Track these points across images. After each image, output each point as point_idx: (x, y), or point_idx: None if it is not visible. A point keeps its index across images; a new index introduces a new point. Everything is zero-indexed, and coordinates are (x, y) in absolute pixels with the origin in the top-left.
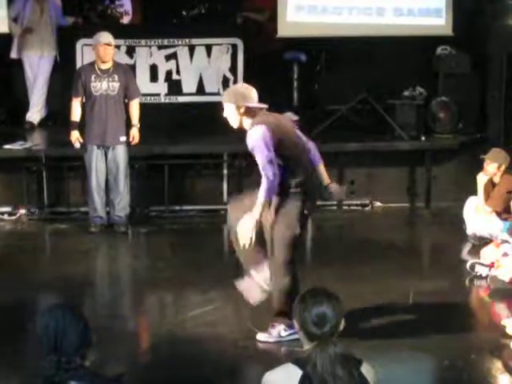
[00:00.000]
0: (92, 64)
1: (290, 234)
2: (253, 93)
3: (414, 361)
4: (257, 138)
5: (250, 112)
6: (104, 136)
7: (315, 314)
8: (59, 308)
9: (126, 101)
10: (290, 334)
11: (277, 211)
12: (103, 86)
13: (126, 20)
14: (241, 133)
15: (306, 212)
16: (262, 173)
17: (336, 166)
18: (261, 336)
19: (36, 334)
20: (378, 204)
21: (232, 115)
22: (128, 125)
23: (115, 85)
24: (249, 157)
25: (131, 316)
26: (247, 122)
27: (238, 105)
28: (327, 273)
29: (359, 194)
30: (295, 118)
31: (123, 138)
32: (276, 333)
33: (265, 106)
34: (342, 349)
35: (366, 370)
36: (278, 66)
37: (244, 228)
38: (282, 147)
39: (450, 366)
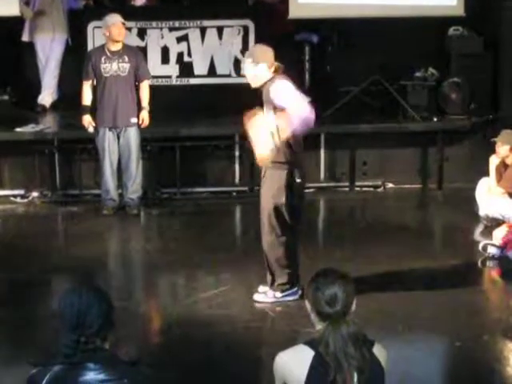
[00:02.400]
0: (102, 47)
1: (273, 203)
2: (272, 53)
3: (426, 342)
4: (289, 86)
5: (276, 70)
6: (115, 117)
7: (327, 294)
8: (85, 287)
9: (137, 83)
10: (285, 296)
11: (266, 181)
12: (113, 67)
13: (140, 2)
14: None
15: (298, 180)
16: (294, 107)
17: (348, 147)
18: (258, 297)
19: (58, 311)
20: (390, 185)
21: (263, 74)
22: (138, 107)
23: (125, 66)
24: None
25: (143, 298)
26: (269, 80)
27: (272, 62)
28: (339, 254)
29: (371, 176)
30: (307, 99)
31: (134, 120)
32: (271, 294)
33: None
34: (354, 328)
35: (377, 350)
36: (289, 47)
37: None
38: None
39: (461, 346)
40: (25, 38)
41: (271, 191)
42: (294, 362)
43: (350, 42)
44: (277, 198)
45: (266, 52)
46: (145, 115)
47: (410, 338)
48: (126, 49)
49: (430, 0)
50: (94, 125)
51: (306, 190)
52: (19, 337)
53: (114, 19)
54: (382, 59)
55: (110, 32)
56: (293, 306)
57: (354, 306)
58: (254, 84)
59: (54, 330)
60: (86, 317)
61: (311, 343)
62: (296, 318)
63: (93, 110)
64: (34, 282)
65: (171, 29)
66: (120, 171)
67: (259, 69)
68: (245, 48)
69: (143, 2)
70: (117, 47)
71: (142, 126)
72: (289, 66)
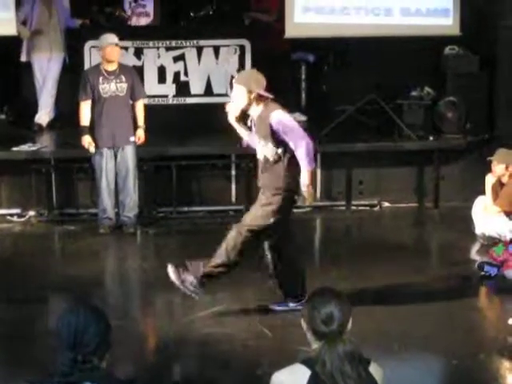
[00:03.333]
0: (97, 66)
1: (260, 222)
2: (264, 80)
3: (423, 361)
4: (287, 117)
5: (259, 99)
6: (115, 137)
7: (323, 313)
8: (82, 306)
9: (131, 102)
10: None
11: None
12: (112, 88)
13: (145, 21)
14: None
15: (295, 198)
16: (300, 143)
17: (344, 166)
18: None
19: (55, 330)
20: (387, 204)
21: (241, 98)
22: (135, 125)
23: (123, 85)
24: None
25: (140, 317)
26: (254, 108)
27: (251, 89)
28: (335, 272)
29: (367, 195)
30: (303, 118)
31: (132, 138)
32: (188, 283)
33: (272, 96)
34: (350, 347)
35: (374, 369)
36: (285, 66)
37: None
38: None
39: (458, 365)
40: (23, 58)
41: (264, 211)
42: (291, 381)
43: (346, 61)
44: (266, 219)
45: (251, 78)
46: (141, 133)
47: (406, 357)
48: (122, 68)
49: (425, 19)
50: (93, 145)
51: (302, 210)
52: (16, 355)
53: (107, 40)
54: (377, 78)
55: (104, 52)
56: (290, 325)
57: (349, 325)
58: (236, 106)
59: (50, 348)
60: (84, 336)
61: (307, 362)
62: (293, 336)
63: (91, 130)
64: (31, 300)
65: (168, 48)
66: (117, 190)
67: (237, 91)
68: (241, 67)
69: (150, 21)
70: (113, 67)
71: (138, 144)
72: (285, 84)
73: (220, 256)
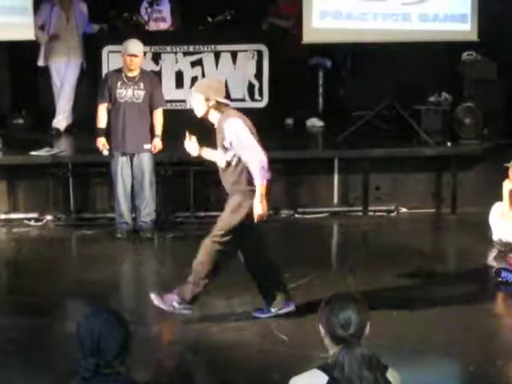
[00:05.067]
0: (119, 70)
1: (232, 223)
2: (223, 88)
3: (440, 367)
4: (240, 128)
5: (218, 106)
6: (127, 143)
7: (342, 318)
8: (105, 312)
9: (150, 109)
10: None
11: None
12: (128, 94)
13: (163, 26)
14: (265, 139)
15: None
16: (251, 158)
17: (361, 171)
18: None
19: (75, 335)
20: (404, 210)
21: (199, 105)
22: (152, 133)
23: (140, 93)
24: (275, 162)
25: (157, 321)
26: (213, 115)
27: (208, 97)
28: (352, 278)
29: (385, 200)
30: (320, 123)
31: (147, 146)
32: (175, 302)
33: (230, 102)
34: (369, 352)
35: (391, 375)
36: (303, 71)
37: (262, 210)
38: None
39: (475, 371)
40: (40, 62)
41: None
42: None
43: (363, 67)
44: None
45: (209, 86)
46: (157, 143)
47: (423, 363)
48: (143, 75)
49: (443, 25)
50: (107, 147)
51: (320, 215)
52: (33, 360)
53: (126, 49)
54: (395, 84)
55: (124, 60)
56: (306, 330)
57: (367, 330)
58: (196, 113)
59: (68, 353)
60: (106, 342)
61: (325, 368)
62: (309, 341)
63: (107, 132)
64: (48, 304)
65: (185, 53)
66: (134, 195)
67: (195, 99)
68: (259, 72)
69: (167, 26)
70: (133, 73)
71: (154, 153)
72: (303, 90)
73: (198, 272)
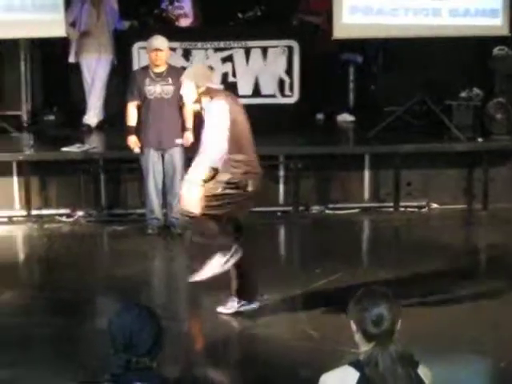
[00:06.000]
0: (146, 68)
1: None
2: (211, 74)
3: (471, 363)
4: (216, 113)
5: (208, 92)
6: (159, 139)
7: (374, 314)
8: (136, 307)
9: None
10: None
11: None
12: (157, 90)
13: (184, 23)
14: (296, 135)
15: (250, 189)
16: (208, 144)
17: (392, 167)
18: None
19: (107, 331)
20: (435, 206)
21: (190, 93)
22: (183, 127)
23: (169, 88)
24: (306, 158)
25: (187, 317)
26: (205, 101)
27: (198, 84)
28: (383, 274)
29: (416, 196)
30: (351, 118)
31: (179, 141)
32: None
33: (221, 87)
34: (401, 348)
35: (422, 372)
36: (334, 67)
37: (189, 196)
38: (232, 126)
39: (506, 368)
40: (71, 59)
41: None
42: (339, 383)
43: (394, 62)
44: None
45: (197, 73)
46: (189, 136)
47: (454, 359)
48: (170, 70)
49: (474, 20)
50: (139, 145)
51: (351, 211)
52: (64, 355)
53: (151, 45)
54: (426, 79)
55: (149, 56)
56: (336, 326)
57: (399, 326)
58: (187, 101)
59: (98, 348)
60: (138, 338)
61: (356, 364)
62: (339, 337)
63: (138, 129)
64: (79, 300)
65: (216, 49)
66: (165, 190)
67: (186, 87)
68: (289, 68)
69: (189, 22)
70: (160, 69)
71: (186, 146)
72: (333, 85)
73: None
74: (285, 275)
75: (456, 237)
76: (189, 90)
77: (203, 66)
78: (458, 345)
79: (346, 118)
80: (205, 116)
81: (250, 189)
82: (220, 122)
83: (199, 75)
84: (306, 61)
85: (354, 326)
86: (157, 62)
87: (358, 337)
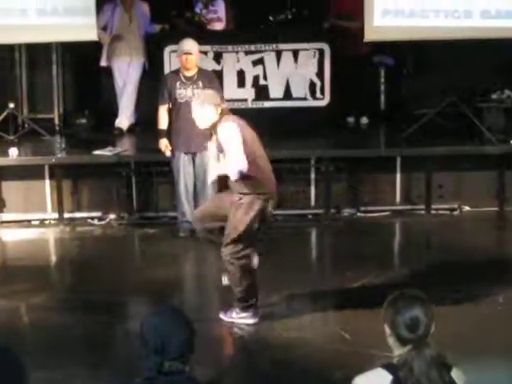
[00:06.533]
0: (177, 71)
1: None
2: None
3: (502, 367)
4: (233, 133)
5: (222, 113)
6: (190, 143)
7: (408, 317)
8: (170, 310)
9: None
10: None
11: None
12: (188, 93)
13: (218, 27)
14: (327, 138)
15: (269, 209)
16: (234, 164)
17: (424, 170)
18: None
19: (140, 334)
20: (467, 208)
21: (211, 117)
22: None
23: (200, 91)
24: (337, 161)
25: (218, 320)
26: (217, 121)
27: (216, 104)
28: (414, 277)
29: (447, 199)
30: (382, 122)
31: (209, 144)
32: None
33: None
34: (436, 352)
35: (456, 375)
36: (364, 70)
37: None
38: (245, 145)
39: None
40: (103, 62)
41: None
42: None
43: (425, 64)
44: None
45: (214, 95)
46: None
47: (485, 363)
48: (201, 74)
49: (506, 22)
50: (170, 148)
51: (382, 213)
52: (97, 358)
53: (181, 48)
54: (457, 81)
55: (180, 60)
56: (370, 329)
57: (433, 329)
58: (203, 125)
59: (130, 351)
60: (171, 341)
61: (389, 367)
62: (373, 341)
63: (169, 132)
64: (111, 303)
65: (247, 52)
66: (196, 194)
67: (205, 111)
68: (320, 71)
69: (222, 26)
70: (191, 73)
71: None
72: (364, 88)
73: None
74: (316, 278)
75: (488, 239)
76: (210, 114)
77: (210, 91)
78: (490, 348)
79: (376, 120)
80: (218, 137)
81: (269, 209)
82: (234, 138)
83: (214, 97)
84: (336, 63)
85: (387, 330)
86: (187, 65)
87: (391, 340)
